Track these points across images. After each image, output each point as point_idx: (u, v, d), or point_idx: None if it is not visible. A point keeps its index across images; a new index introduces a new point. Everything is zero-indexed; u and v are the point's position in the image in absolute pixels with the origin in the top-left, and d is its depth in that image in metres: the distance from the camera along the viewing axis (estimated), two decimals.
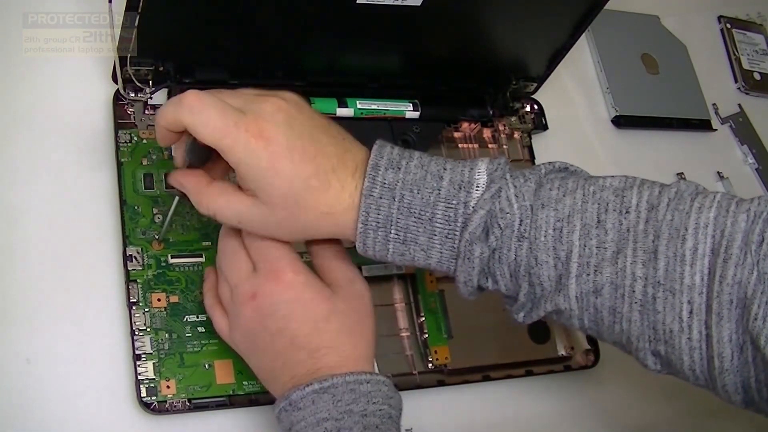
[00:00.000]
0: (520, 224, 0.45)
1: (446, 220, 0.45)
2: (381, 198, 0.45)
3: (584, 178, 0.47)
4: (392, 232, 0.46)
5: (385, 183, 0.46)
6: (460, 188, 0.46)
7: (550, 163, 0.48)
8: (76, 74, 0.56)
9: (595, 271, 0.44)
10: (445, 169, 0.46)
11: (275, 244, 0.47)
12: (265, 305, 0.46)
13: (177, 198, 0.50)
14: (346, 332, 0.47)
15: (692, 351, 0.42)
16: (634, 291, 0.43)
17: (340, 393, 0.44)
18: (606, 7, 0.59)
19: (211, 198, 0.47)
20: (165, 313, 0.51)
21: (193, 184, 0.48)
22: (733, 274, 0.40)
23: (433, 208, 0.45)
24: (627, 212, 0.44)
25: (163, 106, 0.46)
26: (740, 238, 0.41)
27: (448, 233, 0.45)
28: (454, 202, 0.45)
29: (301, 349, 0.46)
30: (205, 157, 0.48)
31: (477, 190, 0.45)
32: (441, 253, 0.46)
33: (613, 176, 0.47)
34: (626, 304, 0.44)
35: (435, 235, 0.46)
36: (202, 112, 0.44)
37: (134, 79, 0.54)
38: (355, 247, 0.47)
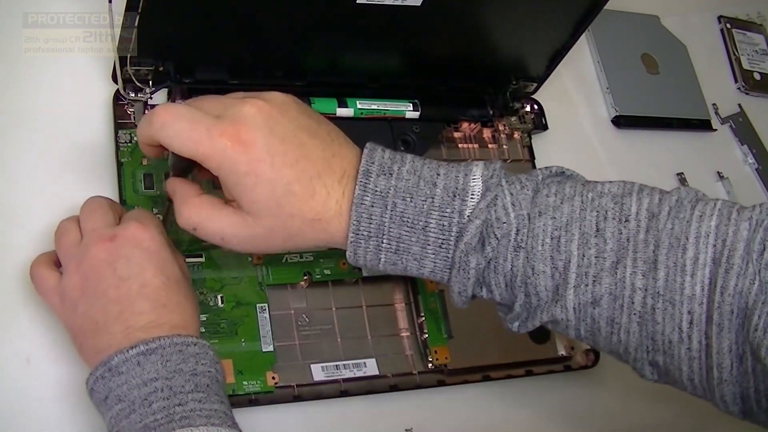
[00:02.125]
0: (517, 234, 0.45)
1: (440, 230, 0.44)
2: (373, 206, 0.44)
3: (582, 183, 0.47)
4: (384, 241, 0.45)
5: (376, 190, 0.45)
6: (455, 196, 0.45)
7: (546, 168, 0.47)
8: (76, 74, 0.56)
9: (594, 281, 0.43)
10: (438, 175, 0.45)
11: (148, 212, 0.49)
12: (123, 248, 0.45)
13: (168, 203, 0.50)
14: (190, 299, 0.47)
15: (691, 361, 0.42)
16: (633, 302, 0.43)
17: (168, 353, 0.43)
18: (606, 7, 0.59)
19: (194, 210, 0.46)
20: None
21: (180, 194, 0.47)
22: (735, 284, 0.40)
23: (426, 217, 0.44)
24: (626, 220, 0.44)
25: (139, 124, 0.46)
26: (742, 248, 0.40)
27: (442, 243, 0.45)
28: (448, 210, 0.44)
29: (147, 299, 0.44)
30: (188, 168, 0.48)
31: (472, 198, 0.44)
32: (434, 263, 0.45)
33: (611, 182, 0.46)
34: (625, 315, 0.43)
35: (428, 244, 0.45)
36: (172, 126, 0.43)
37: (134, 79, 0.54)
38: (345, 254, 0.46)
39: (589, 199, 0.45)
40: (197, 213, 0.46)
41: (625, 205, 0.44)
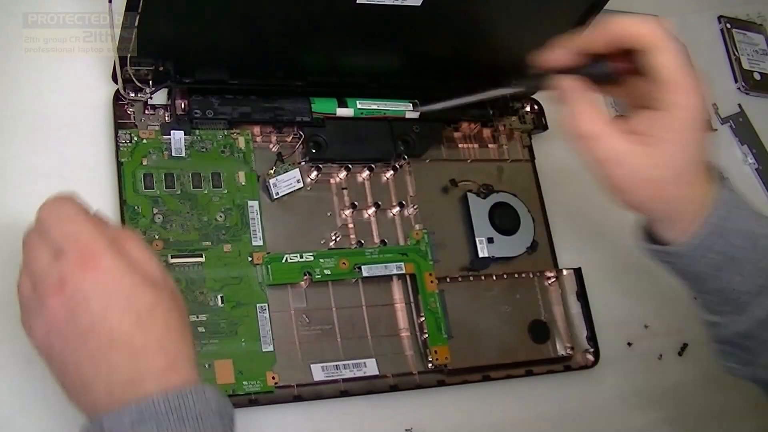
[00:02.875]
0: None
1: None
2: (730, 206, 0.46)
3: None
4: (731, 239, 0.45)
5: (732, 196, 0.46)
6: None
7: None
8: (76, 74, 0.56)
9: None
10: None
11: (90, 224, 0.40)
12: (76, 295, 0.38)
13: (512, 89, 0.49)
14: (173, 329, 0.40)
15: None
16: None
17: (165, 421, 0.37)
18: (606, 7, 0.59)
19: (595, 123, 0.44)
20: None
21: (580, 96, 0.45)
22: None
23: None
24: None
25: (624, 18, 0.44)
26: None
27: None
28: None
29: (120, 348, 0.38)
30: (603, 83, 0.45)
31: None
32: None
33: None
34: None
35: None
36: (673, 44, 0.43)
37: (134, 79, 0.54)
38: None
39: None
40: (599, 126, 0.44)
41: None
